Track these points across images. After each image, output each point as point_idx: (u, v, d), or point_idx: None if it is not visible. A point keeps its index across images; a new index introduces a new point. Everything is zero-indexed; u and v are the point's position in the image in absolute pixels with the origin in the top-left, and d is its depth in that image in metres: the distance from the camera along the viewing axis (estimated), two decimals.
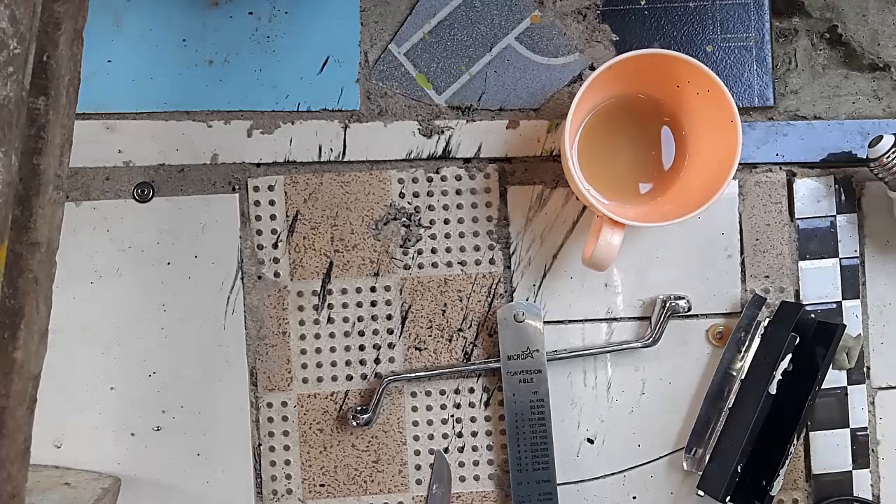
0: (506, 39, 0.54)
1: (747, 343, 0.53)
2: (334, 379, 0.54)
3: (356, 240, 0.54)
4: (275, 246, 0.54)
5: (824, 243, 0.54)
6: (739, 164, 0.50)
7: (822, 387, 0.51)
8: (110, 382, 0.53)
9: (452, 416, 0.54)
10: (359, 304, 0.54)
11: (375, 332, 0.54)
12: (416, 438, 0.54)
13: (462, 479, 0.54)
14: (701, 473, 0.53)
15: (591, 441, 0.54)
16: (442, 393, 0.54)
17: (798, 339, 0.51)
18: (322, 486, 0.54)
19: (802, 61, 0.54)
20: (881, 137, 0.49)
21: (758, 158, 0.54)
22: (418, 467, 0.54)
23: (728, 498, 0.51)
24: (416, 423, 0.54)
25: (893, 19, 0.54)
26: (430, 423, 0.54)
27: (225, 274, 0.53)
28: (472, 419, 0.54)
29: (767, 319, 0.53)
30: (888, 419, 0.54)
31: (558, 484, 0.53)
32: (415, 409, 0.54)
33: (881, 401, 0.54)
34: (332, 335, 0.54)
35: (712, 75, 0.46)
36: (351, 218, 0.54)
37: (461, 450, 0.54)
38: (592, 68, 0.54)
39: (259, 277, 0.53)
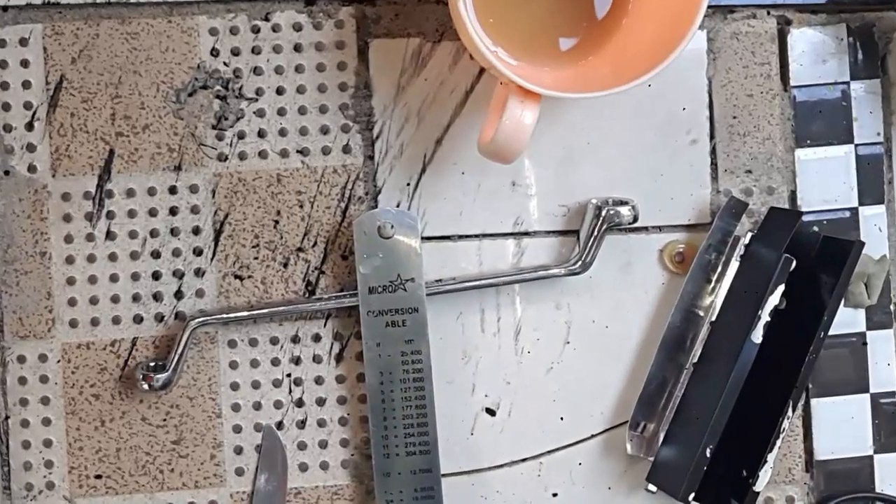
0: None
1: (720, 269, 0.48)
2: (116, 321, 0.47)
3: (148, 117, 0.47)
4: (29, 127, 0.47)
5: (833, 123, 0.48)
6: (709, 6, 0.43)
7: (830, 333, 0.46)
8: None
9: (289, 375, 0.47)
10: (152, 213, 0.47)
11: (176, 253, 0.47)
12: (237, 409, 0.47)
13: (303, 467, 0.47)
14: (652, 460, 0.47)
15: (491, 412, 0.48)
16: (274, 342, 0.47)
17: (795, 263, 0.46)
18: (98, 477, 0.47)
19: None
20: None
21: None
22: (239, 450, 0.47)
23: (692, 496, 0.45)
24: (235, 387, 0.47)
25: None
26: (256, 385, 0.47)
27: None
28: (318, 380, 0.48)
29: (750, 234, 0.47)
30: None
31: (443, 475, 0.46)
32: (234, 365, 0.47)
33: None
34: (112, 257, 0.47)
35: None
36: (141, 86, 0.47)
37: (302, 425, 0.48)
38: None
39: (6, 173, 0.47)
